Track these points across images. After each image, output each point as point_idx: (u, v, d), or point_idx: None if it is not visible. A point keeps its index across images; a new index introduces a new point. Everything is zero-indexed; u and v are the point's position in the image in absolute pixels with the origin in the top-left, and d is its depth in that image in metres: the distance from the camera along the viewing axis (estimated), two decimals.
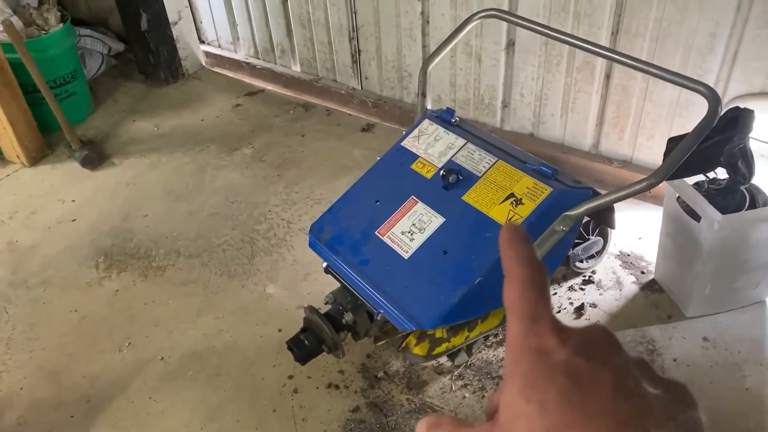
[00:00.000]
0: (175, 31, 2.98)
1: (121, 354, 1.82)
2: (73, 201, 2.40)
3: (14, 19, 2.55)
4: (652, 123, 2.05)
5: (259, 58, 3.01)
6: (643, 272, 1.90)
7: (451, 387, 1.64)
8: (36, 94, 2.54)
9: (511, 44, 2.19)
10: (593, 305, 1.81)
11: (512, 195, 1.46)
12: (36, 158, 2.62)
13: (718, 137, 1.54)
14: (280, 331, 1.83)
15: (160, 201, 2.36)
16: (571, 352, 0.36)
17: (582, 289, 1.86)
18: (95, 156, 2.56)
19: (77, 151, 2.54)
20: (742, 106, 1.59)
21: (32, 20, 2.68)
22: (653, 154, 2.09)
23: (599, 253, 1.88)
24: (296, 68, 2.90)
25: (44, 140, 2.64)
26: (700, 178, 1.67)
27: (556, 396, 0.35)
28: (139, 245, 2.17)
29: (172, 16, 2.94)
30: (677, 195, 1.67)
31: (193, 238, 2.18)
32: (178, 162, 2.56)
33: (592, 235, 1.82)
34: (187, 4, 3.01)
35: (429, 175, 1.58)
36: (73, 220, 2.31)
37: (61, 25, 2.67)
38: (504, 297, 0.39)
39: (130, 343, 1.84)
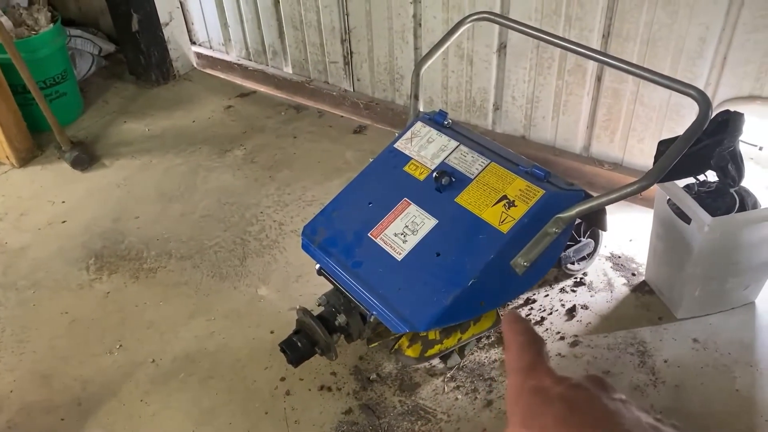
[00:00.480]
0: (167, 32, 2.98)
1: (113, 356, 1.81)
2: (63, 202, 2.39)
3: (4, 19, 2.53)
4: (642, 126, 2.06)
5: (250, 60, 3.00)
6: (633, 274, 1.91)
7: (444, 389, 1.65)
8: (26, 95, 2.52)
9: (502, 47, 2.20)
10: (585, 307, 1.82)
11: (505, 197, 1.46)
12: (26, 159, 2.60)
13: (709, 140, 1.55)
14: (272, 333, 1.82)
15: (151, 202, 2.35)
16: (566, 388, 0.39)
17: (573, 291, 1.87)
18: (86, 157, 2.54)
19: (67, 152, 2.52)
20: (731, 109, 1.61)
21: (22, 20, 2.66)
22: (644, 157, 2.11)
23: (591, 255, 1.89)
24: (288, 70, 2.89)
25: (34, 141, 2.63)
26: (691, 180, 1.69)
27: (554, 421, 0.36)
28: (131, 247, 2.16)
29: (163, 17, 2.93)
30: (668, 197, 1.68)
31: (184, 239, 2.17)
32: (170, 163, 2.55)
33: (584, 237, 1.83)
34: (179, 5, 3.00)
35: (422, 177, 1.58)
36: (64, 222, 2.29)
37: (51, 25, 2.66)
38: (505, 363, 0.44)
39: (121, 346, 1.83)
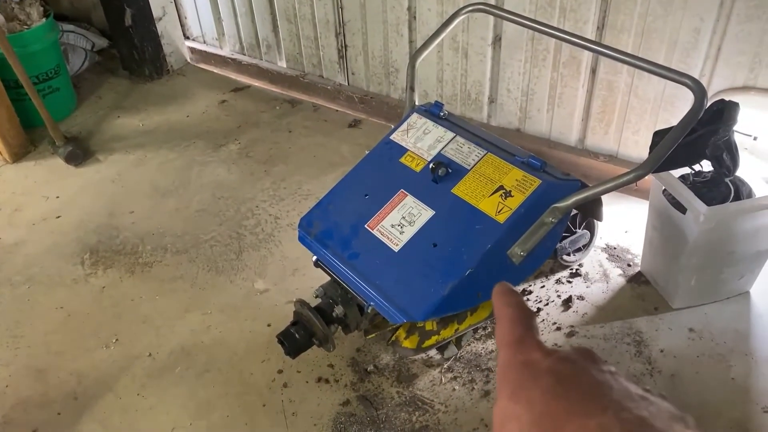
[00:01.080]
0: (160, 27, 2.96)
1: (109, 351, 1.80)
2: (58, 197, 2.38)
3: None
4: (637, 117, 2.07)
5: (244, 54, 2.99)
6: (629, 265, 1.92)
7: (441, 380, 1.65)
8: (18, 90, 2.51)
9: (497, 39, 2.20)
10: (581, 297, 1.83)
11: (501, 187, 1.47)
12: (19, 155, 2.58)
13: (703, 130, 1.56)
14: (269, 326, 1.82)
15: (146, 197, 2.34)
16: (555, 360, 0.39)
17: (569, 282, 1.87)
18: (79, 152, 2.53)
19: (61, 147, 2.51)
20: (726, 99, 1.61)
21: (14, 15, 2.64)
22: (639, 149, 2.11)
23: (586, 246, 1.90)
24: (282, 64, 2.89)
25: (27, 136, 2.61)
26: (686, 170, 1.69)
27: (541, 393, 0.37)
28: (126, 242, 2.15)
29: (156, 12, 2.92)
30: (663, 188, 1.69)
31: (180, 234, 2.16)
32: (164, 158, 2.54)
33: (579, 229, 1.83)
34: (172, 0, 2.98)
35: (418, 169, 1.58)
36: (58, 217, 2.28)
37: (43, 20, 2.64)
38: (496, 336, 0.44)
39: (117, 340, 1.83)
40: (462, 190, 1.50)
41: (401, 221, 1.51)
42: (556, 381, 0.37)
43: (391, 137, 1.68)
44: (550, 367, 0.38)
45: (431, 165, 1.54)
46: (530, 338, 0.41)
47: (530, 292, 1.86)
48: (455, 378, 1.65)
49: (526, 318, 0.43)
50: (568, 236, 1.81)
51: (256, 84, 2.95)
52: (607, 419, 0.33)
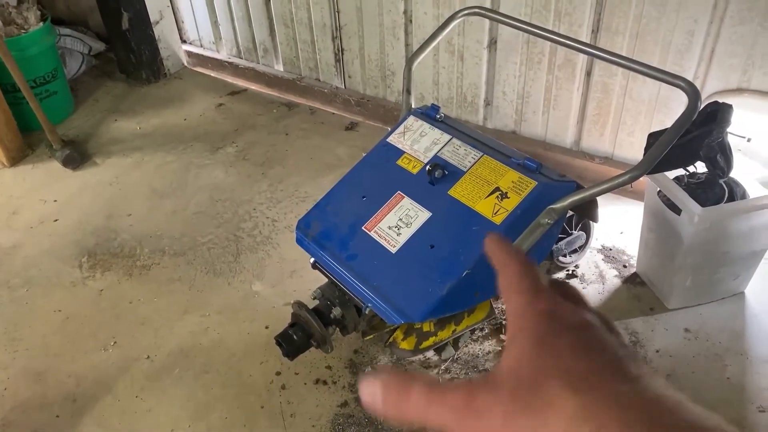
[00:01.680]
0: (157, 31, 2.97)
1: (107, 353, 1.81)
2: (55, 201, 2.38)
3: None
4: (632, 119, 2.08)
5: (241, 58, 3.00)
6: (625, 266, 1.93)
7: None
8: (16, 94, 2.52)
9: (493, 42, 2.22)
10: None
11: (498, 189, 1.48)
12: (16, 158, 2.59)
13: (697, 131, 1.57)
14: (267, 328, 1.83)
15: (143, 200, 2.35)
16: (580, 320, 0.37)
17: None
18: (77, 155, 2.53)
19: (58, 150, 2.51)
20: (720, 101, 1.63)
21: (11, 19, 2.65)
22: (633, 151, 2.13)
23: (582, 247, 1.91)
24: (279, 67, 2.90)
25: (24, 140, 2.62)
26: (680, 172, 1.71)
27: (570, 349, 0.35)
28: (123, 244, 2.16)
29: (153, 16, 2.93)
30: (658, 189, 1.70)
31: (177, 236, 2.17)
32: (162, 161, 2.55)
33: (575, 230, 1.85)
34: (169, 4, 2.99)
35: (415, 171, 1.59)
36: (56, 220, 2.29)
37: (41, 24, 2.65)
38: (500, 284, 0.40)
39: (115, 342, 1.83)
40: (458, 191, 1.51)
41: (398, 223, 1.52)
42: (581, 340, 0.35)
43: (388, 140, 1.69)
44: (580, 323, 0.36)
45: (428, 167, 1.56)
46: (544, 288, 0.39)
47: None
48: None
49: (533, 269, 0.40)
50: (564, 237, 1.82)
51: (253, 87, 2.96)
52: (640, 387, 0.33)
